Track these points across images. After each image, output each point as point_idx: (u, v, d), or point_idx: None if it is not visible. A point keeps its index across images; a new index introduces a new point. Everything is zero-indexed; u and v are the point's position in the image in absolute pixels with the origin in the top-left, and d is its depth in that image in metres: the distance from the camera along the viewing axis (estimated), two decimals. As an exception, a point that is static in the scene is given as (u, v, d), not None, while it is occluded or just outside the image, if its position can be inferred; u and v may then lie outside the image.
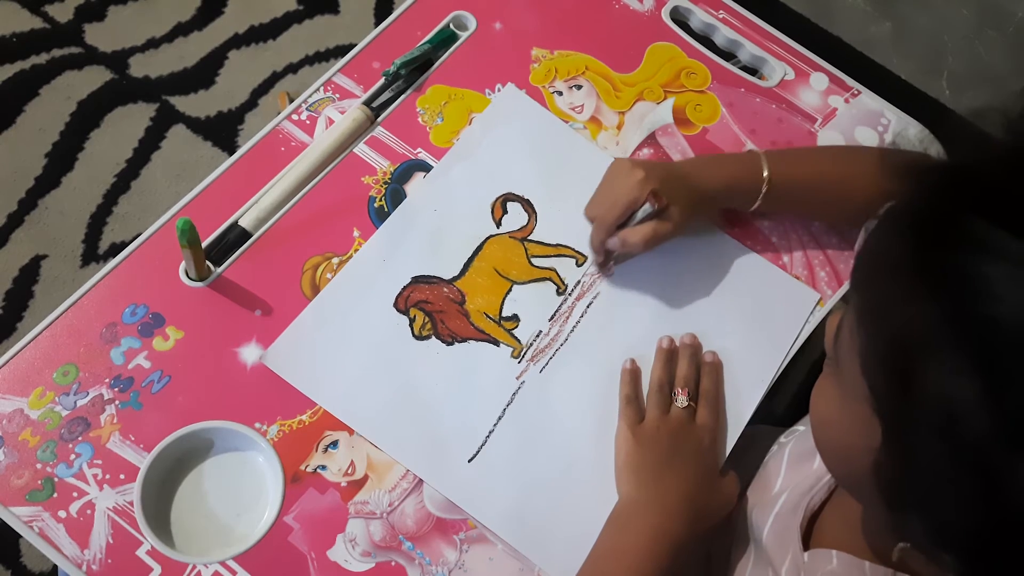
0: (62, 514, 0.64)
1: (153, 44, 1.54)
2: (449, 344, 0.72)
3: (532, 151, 0.79)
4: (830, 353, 0.48)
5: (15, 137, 1.45)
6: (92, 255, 1.39)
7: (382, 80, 0.80)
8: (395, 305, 0.73)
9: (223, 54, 1.55)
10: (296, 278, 0.73)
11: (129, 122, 1.48)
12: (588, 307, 0.74)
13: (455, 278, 0.74)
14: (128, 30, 1.54)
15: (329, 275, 0.73)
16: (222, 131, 1.49)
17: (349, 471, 0.67)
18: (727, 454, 0.69)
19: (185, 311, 0.71)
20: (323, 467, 0.67)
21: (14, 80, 1.48)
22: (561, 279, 0.75)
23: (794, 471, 0.65)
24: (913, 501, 0.40)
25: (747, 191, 0.72)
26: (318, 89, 0.80)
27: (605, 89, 0.83)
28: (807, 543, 0.58)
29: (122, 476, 0.65)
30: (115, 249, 1.39)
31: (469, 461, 0.68)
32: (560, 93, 0.82)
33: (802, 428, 0.69)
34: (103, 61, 1.52)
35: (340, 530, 0.66)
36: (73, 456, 0.66)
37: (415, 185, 0.77)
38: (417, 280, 0.74)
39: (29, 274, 1.36)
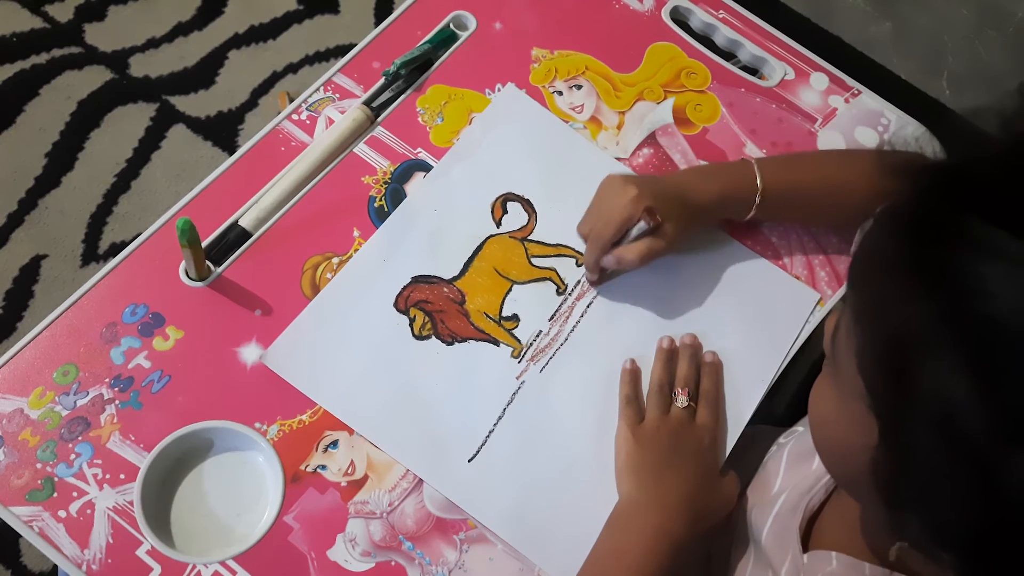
0: (62, 514, 0.64)
1: (153, 44, 1.54)
2: (449, 344, 0.72)
3: (532, 151, 0.79)
4: (828, 353, 0.48)
5: (15, 137, 1.45)
6: (92, 255, 1.39)
7: (382, 80, 0.80)
8: (395, 305, 0.73)
9: (223, 54, 1.55)
10: (296, 278, 0.73)
11: (129, 122, 1.48)
12: (588, 307, 0.74)
13: (455, 278, 0.74)
14: (128, 30, 1.54)
15: (329, 275, 0.73)
16: (222, 131, 1.49)
17: (349, 471, 0.67)
18: (727, 454, 0.69)
19: (185, 311, 0.71)
20: (323, 467, 0.67)
21: (14, 80, 1.48)
22: (561, 279, 0.75)
23: (793, 471, 0.65)
24: (911, 499, 0.40)
25: (741, 201, 0.72)
26: (318, 89, 0.80)
27: (605, 89, 0.83)
28: (806, 544, 0.58)
29: (122, 476, 0.65)
30: (115, 249, 1.39)
31: (469, 461, 0.68)
32: (560, 93, 0.82)
33: (801, 428, 0.69)
34: (103, 61, 1.52)
35: (340, 530, 0.66)
36: (73, 456, 0.66)
37: (415, 185, 0.77)
38: (417, 280, 0.74)
39: (29, 274, 1.36)
